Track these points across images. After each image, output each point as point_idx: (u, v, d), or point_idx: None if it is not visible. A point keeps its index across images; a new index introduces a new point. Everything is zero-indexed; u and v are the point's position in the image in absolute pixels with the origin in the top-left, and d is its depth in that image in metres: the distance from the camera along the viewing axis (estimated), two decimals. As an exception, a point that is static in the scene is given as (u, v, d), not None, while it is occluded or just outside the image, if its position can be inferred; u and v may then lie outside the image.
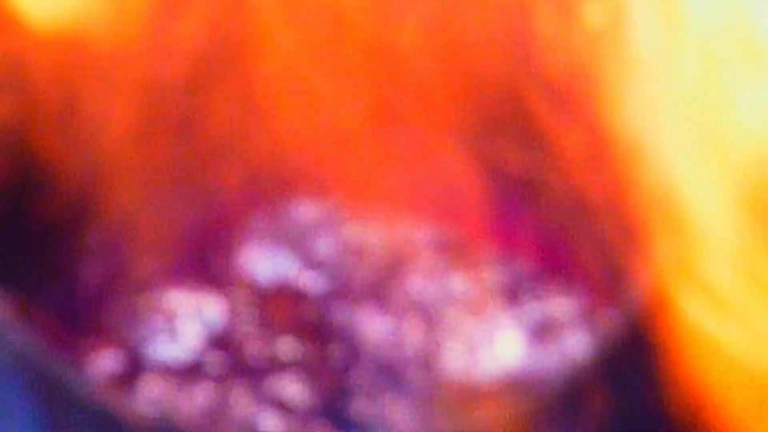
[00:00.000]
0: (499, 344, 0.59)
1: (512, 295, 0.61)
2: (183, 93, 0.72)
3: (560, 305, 0.60)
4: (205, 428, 0.61)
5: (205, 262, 0.63)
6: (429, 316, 0.60)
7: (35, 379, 0.59)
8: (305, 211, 0.62)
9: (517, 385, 0.57)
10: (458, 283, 0.60)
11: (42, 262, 0.66)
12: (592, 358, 0.55)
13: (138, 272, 0.61)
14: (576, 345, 0.57)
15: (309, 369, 0.60)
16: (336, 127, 0.67)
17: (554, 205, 0.68)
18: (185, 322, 0.62)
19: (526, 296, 0.60)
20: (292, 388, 0.59)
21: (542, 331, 0.58)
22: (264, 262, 0.62)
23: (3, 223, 0.64)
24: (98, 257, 0.62)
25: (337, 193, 0.64)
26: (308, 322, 0.61)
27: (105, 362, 0.62)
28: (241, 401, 0.60)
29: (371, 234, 0.61)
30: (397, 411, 0.59)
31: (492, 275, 0.62)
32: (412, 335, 0.60)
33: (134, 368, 0.62)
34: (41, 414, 0.61)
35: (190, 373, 0.62)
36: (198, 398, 0.61)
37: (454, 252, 0.61)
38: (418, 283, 0.60)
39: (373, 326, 0.60)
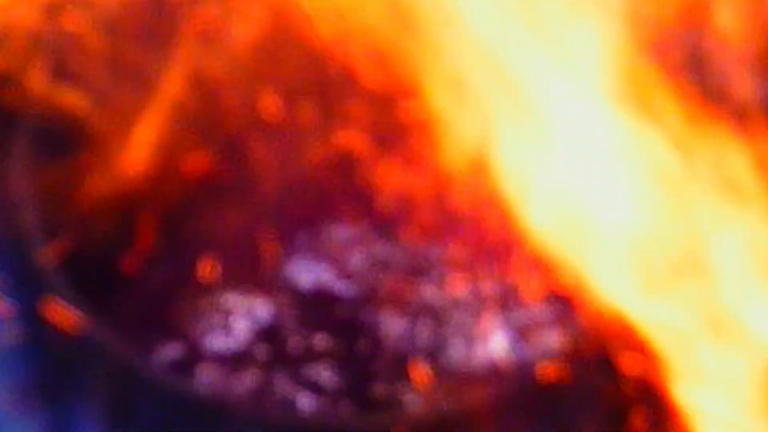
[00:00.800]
0: (490, 341, 0.71)
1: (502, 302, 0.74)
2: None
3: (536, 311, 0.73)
4: (251, 407, 0.72)
5: (256, 270, 0.75)
6: (437, 317, 0.72)
7: (111, 365, 0.71)
8: (340, 230, 0.74)
9: (503, 373, 0.69)
10: (460, 292, 0.73)
11: (120, 271, 0.79)
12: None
13: (201, 278, 0.73)
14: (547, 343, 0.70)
15: (339, 359, 0.72)
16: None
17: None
18: (238, 319, 0.74)
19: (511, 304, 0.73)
20: (325, 375, 0.71)
21: (523, 331, 0.70)
22: (305, 272, 0.74)
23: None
24: (169, 265, 0.74)
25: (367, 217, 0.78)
26: (339, 321, 0.73)
27: (171, 352, 0.74)
28: (282, 385, 0.72)
29: (393, 251, 0.74)
30: (409, 393, 0.71)
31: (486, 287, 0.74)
32: (423, 333, 0.72)
33: (194, 357, 0.74)
34: (117, 395, 0.72)
35: (240, 361, 0.74)
36: (246, 382, 0.73)
37: (458, 267, 0.74)
38: (428, 291, 0.72)
39: (392, 325, 0.72)
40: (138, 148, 0.92)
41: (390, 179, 0.80)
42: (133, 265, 0.80)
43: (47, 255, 0.80)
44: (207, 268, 0.76)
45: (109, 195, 0.90)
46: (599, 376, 0.68)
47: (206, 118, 0.90)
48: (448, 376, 0.71)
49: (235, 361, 0.73)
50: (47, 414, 0.77)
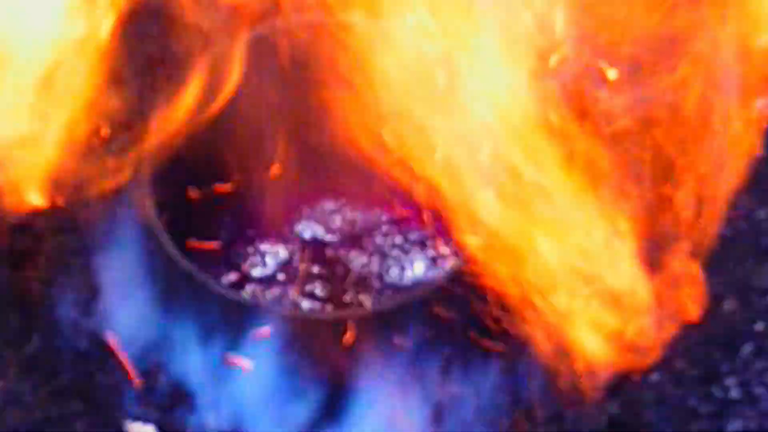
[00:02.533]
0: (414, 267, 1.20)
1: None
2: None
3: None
4: (276, 308, 1.20)
5: (280, 229, 1.24)
6: (383, 255, 1.21)
7: (187, 279, 1.18)
8: (327, 204, 1.24)
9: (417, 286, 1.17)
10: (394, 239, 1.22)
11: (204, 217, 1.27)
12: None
13: (251, 229, 1.22)
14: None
15: (325, 280, 1.21)
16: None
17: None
18: (268, 258, 1.23)
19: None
20: (317, 289, 1.21)
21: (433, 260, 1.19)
22: (307, 229, 1.24)
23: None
24: (233, 219, 1.24)
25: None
26: (326, 258, 1.22)
27: (232, 278, 1.23)
28: (293, 296, 1.20)
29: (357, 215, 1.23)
30: (365, 299, 1.20)
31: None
32: (374, 264, 1.21)
33: (245, 280, 1.23)
34: (202, 308, 1.20)
35: (269, 282, 1.23)
36: (273, 294, 1.22)
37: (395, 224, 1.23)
38: (377, 239, 1.22)
39: (357, 260, 1.21)
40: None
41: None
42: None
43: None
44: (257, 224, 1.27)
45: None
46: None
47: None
48: (389, 289, 1.20)
49: (266, 282, 1.23)
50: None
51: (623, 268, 1.20)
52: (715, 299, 1.23)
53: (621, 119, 1.37)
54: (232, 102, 1.21)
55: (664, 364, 1.21)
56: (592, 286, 1.17)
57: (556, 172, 1.20)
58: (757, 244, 1.26)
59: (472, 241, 1.20)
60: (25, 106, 1.31)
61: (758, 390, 1.18)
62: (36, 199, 1.27)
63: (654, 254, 1.23)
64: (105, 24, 1.33)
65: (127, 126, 1.33)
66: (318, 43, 1.28)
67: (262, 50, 1.27)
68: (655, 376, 1.19)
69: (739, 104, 1.35)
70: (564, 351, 1.18)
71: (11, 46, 1.32)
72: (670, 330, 1.21)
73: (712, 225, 1.21)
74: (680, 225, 1.22)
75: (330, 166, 1.27)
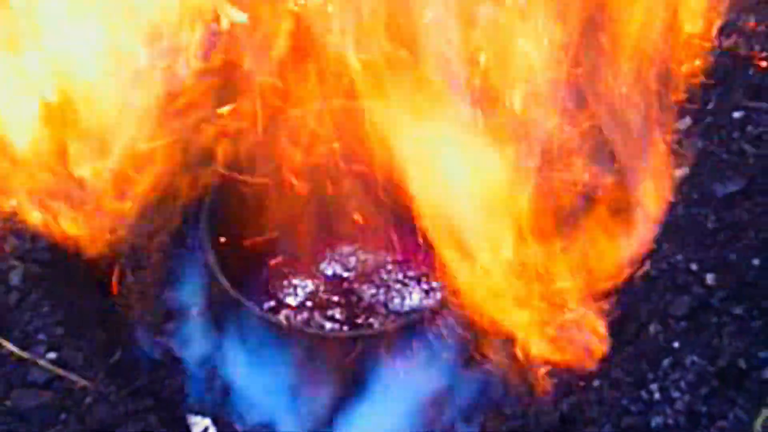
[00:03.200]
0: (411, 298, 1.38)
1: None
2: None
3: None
4: (305, 328, 1.37)
5: (309, 267, 1.43)
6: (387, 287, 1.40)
7: (236, 305, 1.34)
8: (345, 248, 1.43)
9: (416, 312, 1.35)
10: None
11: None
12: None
13: (286, 268, 1.40)
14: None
15: (343, 307, 1.40)
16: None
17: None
18: (299, 289, 1.41)
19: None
20: (337, 314, 1.39)
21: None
22: (329, 267, 1.42)
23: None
24: (272, 260, 1.42)
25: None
26: (343, 289, 1.40)
27: (269, 304, 1.40)
28: (318, 318, 1.38)
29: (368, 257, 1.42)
30: (374, 322, 1.38)
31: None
32: (380, 294, 1.40)
33: (280, 307, 1.41)
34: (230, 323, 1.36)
35: (300, 308, 1.40)
36: (302, 317, 1.39)
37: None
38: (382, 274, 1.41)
39: (367, 291, 1.40)
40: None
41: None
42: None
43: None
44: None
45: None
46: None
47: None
48: (392, 314, 1.39)
49: (297, 308, 1.42)
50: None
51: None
52: (643, 324, 1.34)
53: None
54: (276, 170, 1.38)
55: (603, 373, 1.32)
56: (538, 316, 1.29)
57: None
58: (674, 281, 1.36)
59: (453, 279, 1.35)
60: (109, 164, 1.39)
61: (675, 394, 1.30)
62: (120, 243, 1.39)
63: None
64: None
65: (190, 187, 1.43)
66: (345, 123, 1.40)
67: (302, 127, 1.42)
68: (596, 382, 1.31)
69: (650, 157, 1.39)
70: (524, 363, 1.32)
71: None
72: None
73: (631, 267, 1.31)
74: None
75: (347, 222, 1.46)
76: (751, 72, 1.50)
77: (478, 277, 1.32)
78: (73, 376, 1.32)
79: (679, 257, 1.38)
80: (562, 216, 1.35)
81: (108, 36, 1.40)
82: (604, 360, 1.32)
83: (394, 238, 1.44)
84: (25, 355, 1.33)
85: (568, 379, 1.36)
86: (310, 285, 1.45)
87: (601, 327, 1.29)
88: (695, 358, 1.30)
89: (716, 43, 1.51)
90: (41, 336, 1.35)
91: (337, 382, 1.35)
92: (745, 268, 1.37)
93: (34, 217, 1.38)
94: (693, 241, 1.40)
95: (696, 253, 1.40)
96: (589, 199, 1.37)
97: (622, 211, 1.34)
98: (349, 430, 1.37)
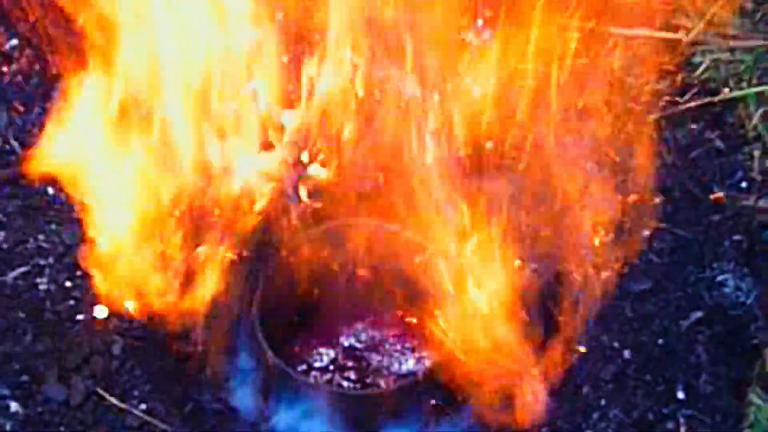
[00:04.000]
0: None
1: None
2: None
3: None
4: (326, 386, 1.51)
5: (331, 340, 1.56)
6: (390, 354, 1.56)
7: (277, 369, 1.46)
8: (359, 327, 1.59)
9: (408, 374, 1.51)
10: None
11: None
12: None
13: (314, 340, 1.54)
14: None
15: (355, 369, 1.54)
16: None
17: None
18: (324, 356, 1.57)
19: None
20: (351, 374, 1.54)
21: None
22: (346, 340, 1.58)
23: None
24: (305, 335, 1.55)
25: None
26: (357, 357, 1.56)
27: (302, 367, 1.53)
28: (337, 379, 1.54)
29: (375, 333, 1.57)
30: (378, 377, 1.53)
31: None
32: (385, 360, 1.56)
33: (309, 369, 1.54)
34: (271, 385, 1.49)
35: (323, 371, 1.55)
36: (325, 377, 1.54)
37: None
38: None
39: (375, 358, 1.55)
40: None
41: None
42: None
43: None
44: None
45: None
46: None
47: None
48: (394, 375, 1.49)
49: (322, 370, 1.49)
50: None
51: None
52: (578, 386, 1.47)
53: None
54: (311, 271, 1.52)
55: (550, 423, 1.44)
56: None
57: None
58: (602, 354, 1.49)
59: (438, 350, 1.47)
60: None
61: (613, 412, 1.44)
62: (193, 321, 1.46)
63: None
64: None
65: (245, 279, 1.52)
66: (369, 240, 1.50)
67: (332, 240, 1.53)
68: (544, 429, 1.44)
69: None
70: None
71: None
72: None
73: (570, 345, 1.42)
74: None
75: (360, 309, 1.58)
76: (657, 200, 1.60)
77: (448, 352, 1.43)
78: (158, 422, 1.43)
79: (605, 337, 1.51)
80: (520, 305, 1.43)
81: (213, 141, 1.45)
82: (550, 413, 1.44)
83: (394, 321, 1.57)
84: (123, 406, 1.43)
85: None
86: (332, 353, 1.56)
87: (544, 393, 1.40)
88: (617, 411, 1.46)
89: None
90: (135, 392, 1.44)
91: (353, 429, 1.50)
92: (652, 347, 1.51)
93: (132, 303, 1.47)
94: (615, 326, 1.53)
95: (617, 335, 1.52)
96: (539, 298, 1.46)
97: (563, 308, 1.47)
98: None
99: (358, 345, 1.57)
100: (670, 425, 1.44)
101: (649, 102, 1.60)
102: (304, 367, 1.54)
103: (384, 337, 1.57)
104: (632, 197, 1.56)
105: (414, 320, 1.55)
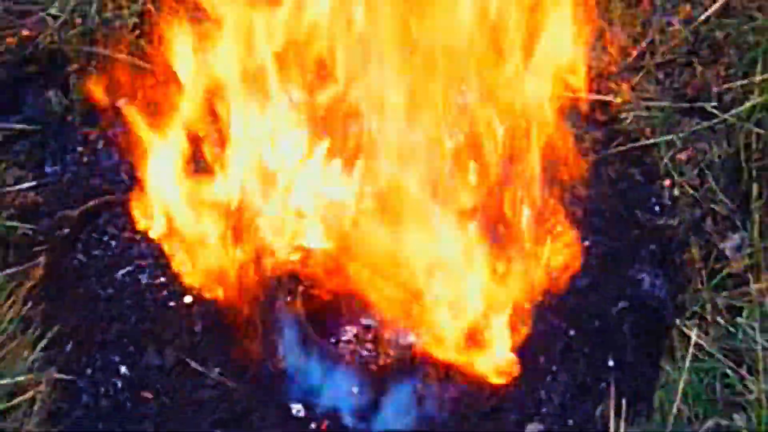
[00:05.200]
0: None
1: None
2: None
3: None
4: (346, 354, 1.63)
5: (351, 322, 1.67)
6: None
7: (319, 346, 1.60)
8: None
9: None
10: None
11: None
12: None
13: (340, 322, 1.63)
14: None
15: (365, 363, 1.58)
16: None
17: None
18: (348, 333, 1.70)
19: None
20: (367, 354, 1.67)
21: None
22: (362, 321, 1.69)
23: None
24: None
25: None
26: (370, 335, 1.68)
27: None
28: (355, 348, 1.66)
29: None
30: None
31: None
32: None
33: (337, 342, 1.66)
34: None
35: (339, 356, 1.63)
36: (347, 348, 1.66)
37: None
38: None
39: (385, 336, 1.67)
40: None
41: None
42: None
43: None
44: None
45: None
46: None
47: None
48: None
49: (346, 344, 1.57)
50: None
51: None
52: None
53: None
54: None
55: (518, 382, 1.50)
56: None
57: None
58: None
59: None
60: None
61: (555, 399, 1.49)
62: (252, 307, 1.53)
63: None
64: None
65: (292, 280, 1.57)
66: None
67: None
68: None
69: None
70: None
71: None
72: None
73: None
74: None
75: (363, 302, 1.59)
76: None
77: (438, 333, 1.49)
78: (229, 383, 1.51)
79: (556, 320, 1.58)
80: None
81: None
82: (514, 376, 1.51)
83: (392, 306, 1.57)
84: (202, 369, 1.52)
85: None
86: (353, 331, 1.60)
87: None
88: (564, 375, 1.52)
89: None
90: (211, 360, 1.53)
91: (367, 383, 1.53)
92: (590, 328, 1.57)
93: (210, 294, 1.55)
94: (563, 312, 1.59)
95: (565, 319, 1.58)
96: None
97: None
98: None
99: (370, 324, 1.62)
100: (602, 386, 1.52)
101: (588, 147, 1.73)
102: (333, 340, 1.61)
103: (386, 321, 1.61)
104: (577, 217, 1.67)
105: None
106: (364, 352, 1.58)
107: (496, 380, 1.50)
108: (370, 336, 1.60)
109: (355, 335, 1.60)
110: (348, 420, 1.53)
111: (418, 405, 1.53)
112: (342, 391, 1.54)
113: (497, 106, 1.36)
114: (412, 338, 1.57)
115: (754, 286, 1.51)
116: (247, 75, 1.40)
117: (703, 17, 1.72)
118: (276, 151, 1.49)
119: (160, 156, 1.54)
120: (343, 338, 1.61)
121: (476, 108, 1.38)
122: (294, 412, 1.53)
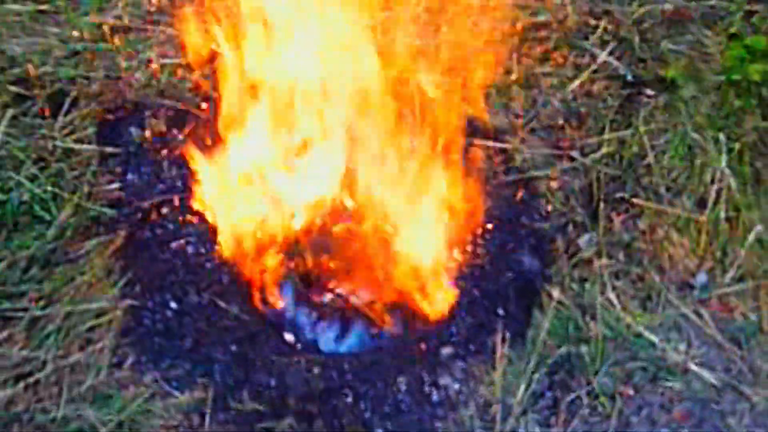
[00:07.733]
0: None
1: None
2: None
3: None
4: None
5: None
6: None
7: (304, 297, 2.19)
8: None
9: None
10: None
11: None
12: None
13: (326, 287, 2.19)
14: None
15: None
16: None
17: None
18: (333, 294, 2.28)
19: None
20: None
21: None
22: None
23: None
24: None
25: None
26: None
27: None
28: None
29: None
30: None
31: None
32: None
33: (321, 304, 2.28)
34: None
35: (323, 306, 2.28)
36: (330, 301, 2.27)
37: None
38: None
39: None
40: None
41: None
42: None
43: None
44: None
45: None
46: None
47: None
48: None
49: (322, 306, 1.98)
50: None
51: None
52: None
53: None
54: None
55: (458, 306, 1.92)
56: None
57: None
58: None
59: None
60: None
61: (468, 319, 1.93)
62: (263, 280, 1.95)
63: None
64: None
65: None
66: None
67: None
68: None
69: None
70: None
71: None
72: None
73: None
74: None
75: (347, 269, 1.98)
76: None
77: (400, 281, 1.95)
78: (244, 317, 1.94)
79: (475, 292, 2.04)
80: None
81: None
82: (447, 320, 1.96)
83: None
84: (225, 306, 1.94)
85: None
86: (330, 287, 1.98)
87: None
88: (470, 319, 1.95)
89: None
90: (234, 306, 1.93)
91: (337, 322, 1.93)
92: (489, 291, 2.00)
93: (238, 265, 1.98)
94: (481, 283, 2.03)
95: (478, 288, 2.02)
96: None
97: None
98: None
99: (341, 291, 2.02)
100: (494, 326, 1.99)
101: (492, 175, 2.21)
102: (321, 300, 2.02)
103: (357, 286, 2.02)
104: (489, 225, 2.16)
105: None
106: (336, 302, 2.04)
107: (427, 318, 1.96)
108: (341, 291, 2.06)
109: (331, 290, 2.06)
110: (323, 346, 1.99)
111: (371, 337, 2.01)
112: (320, 327, 1.99)
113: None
114: (369, 294, 2.03)
115: (596, 264, 2.10)
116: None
117: (571, 96, 2.36)
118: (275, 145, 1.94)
119: (204, 172, 2.03)
120: (325, 294, 2.05)
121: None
122: (287, 338, 1.99)
